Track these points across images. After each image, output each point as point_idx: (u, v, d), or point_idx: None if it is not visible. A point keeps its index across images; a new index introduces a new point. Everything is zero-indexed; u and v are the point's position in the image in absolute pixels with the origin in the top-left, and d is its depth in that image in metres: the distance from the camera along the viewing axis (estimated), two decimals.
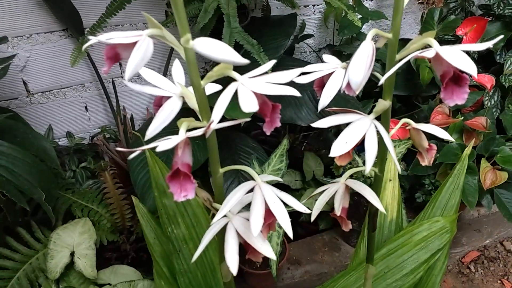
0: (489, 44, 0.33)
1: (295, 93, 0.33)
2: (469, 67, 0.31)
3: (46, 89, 1.22)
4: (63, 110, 1.28)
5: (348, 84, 0.36)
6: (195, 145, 1.04)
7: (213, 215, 0.45)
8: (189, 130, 0.36)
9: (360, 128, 0.39)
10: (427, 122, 1.31)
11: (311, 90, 1.16)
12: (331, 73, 0.45)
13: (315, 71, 0.47)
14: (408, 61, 1.33)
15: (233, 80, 0.35)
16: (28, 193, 0.83)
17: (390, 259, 0.77)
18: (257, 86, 0.33)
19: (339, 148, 0.38)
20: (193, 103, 0.41)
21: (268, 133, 0.36)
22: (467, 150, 0.82)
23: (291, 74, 0.34)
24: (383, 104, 0.40)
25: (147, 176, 0.98)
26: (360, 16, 1.33)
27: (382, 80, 0.37)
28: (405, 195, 1.29)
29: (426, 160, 0.50)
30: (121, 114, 1.31)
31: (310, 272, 1.22)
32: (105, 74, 0.32)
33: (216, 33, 1.05)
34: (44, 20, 1.11)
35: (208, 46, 0.31)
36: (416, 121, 0.49)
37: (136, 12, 1.19)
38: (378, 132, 0.40)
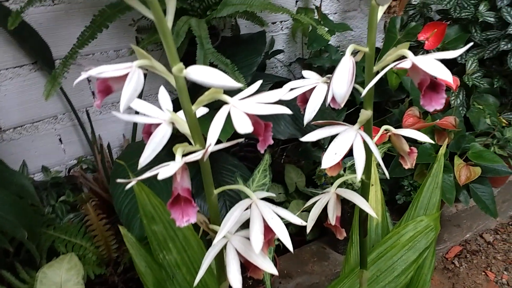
0: (460, 52, 0.35)
1: (287, 111, 0.34)
2: (445, 75, 0.33)
3: (18, 125, 1.19)
4: (37, 144, 1.25)
5: (333, 98, 0.38)
6: None
7: (208, 241, 0.46)
8: (184, 155, 0.37)
9: (347, 139, 0.41)
10: (400, 126, 1.36)
11: (286, 103, 1.18)
12: (313, 88, 0.47)
13: (297, 87, 0.48)
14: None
15: (224, 103, 0.36)
16: (10, 233, 0.80)
17: (381, 262, 0.79)
18: (249, 107, 0.34)
19: (330, 159, 0.40)
20: (183, 128, 0.42)
21: (262, 151, 0.37)
22: (442, 150, 0.85)
23: (279, 93, 0.36)
24: (366, 114, 0.42)
25: (131, 204, 0.96)
26: (326, 29, 1.37)
27: (364, 92, 0.39)
28: (386, 197, 1.32)
29: (408, 163, 0.52)
30: (97, 143, 1.29)
31: (302, 284, 1.22)
32: (97, 107, 0.32)
33: (188, 56, 1.06)
34: (13, 54, 1.09)
35: (202, 74, 0.32)
36: (389, 125, 0.51)
37: (107, 40, 1.19)
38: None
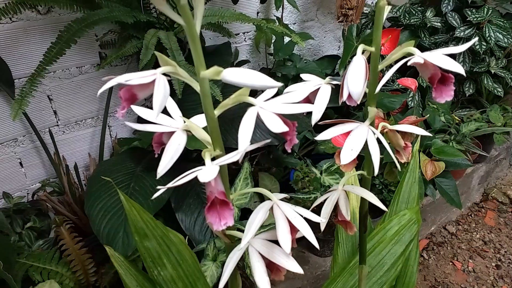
0: (465, 47, 0.38)
1: (313, 108, 0.35)
2: (456, 67, 0.36)
3: None
4: None
5: (349, 95, 0.39)
6: (156, 182, 1.01)
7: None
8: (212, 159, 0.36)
9: (361, 135, 0.43)
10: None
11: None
12: (317, 90, 0.49)
13: (300, 89, 0.50)
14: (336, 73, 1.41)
15: (250, 105, 0.36)
16: None
17: (371, 258, 0.81)
18: (277, 108, 0.35)
19: (347, 155, 0.41)
20: (200, 134, 0.41)
21: (289, 151, 0.37)
22: (416, 146, 0.90)
23: (302, 94, 0.36)
24: (374, 110, 0.44)
25: (111, 222, 0.92)
26: (289, 38, 1.41)
27: (377, 89, 0.41)
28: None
29: (404, 157, 0.55)
30: (62, 164, 1.23)
31: None
32: (121, 117, 0.32)
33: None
34: None
35: (240, 75, 0.32)
36: None
37: (68, 56, 1.14)
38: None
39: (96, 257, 1.06)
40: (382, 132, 0.54)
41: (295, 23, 1.59)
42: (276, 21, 1.44)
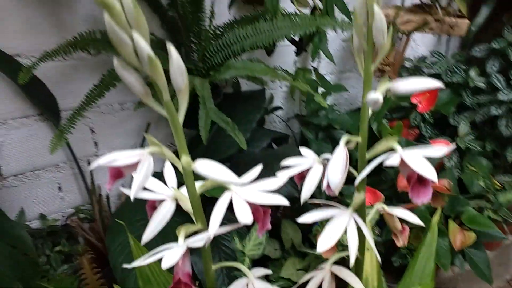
0: (444, 151, 0.38)
1: (285, 203, 0.36)
2: (430, 173, 0.36)
3: (19, 172, 1.20)
4: (36, 192, 1.26)
5: (328, 185, 0.40)
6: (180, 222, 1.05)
7: None
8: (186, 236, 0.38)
9: (341, 222, 0.43)
10: (394, 185, 1.38)
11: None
12: (310, 168, 0.50)
13: (296, 165, 0.51)
14: (370, 127, 1.41)
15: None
16: (5, 286, 0.80)
17: None
18: (250, 196, 0.37)
19: (325, 243, 0.42)
20: (186, 206, 0.44)
21: (260, 237, 0.39)
22: (436, 217, 0.87)
23: (279, 181, 0.38)
24: (360, 198, 0.45)
25: (127, 259, 0.96)
26: (323, 90, 1.43)
27: (359, 179, 0.41)
28: (382, 258, 1.32)
29: (400, 241, 0.54)
30: (96, 193, 1.30)
31: None
32: (108, 190, 0.35)
33: (191, 111, 1.10)
34: (20, 105, 1.13)
35: (208, 169, 0.34)
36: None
37: (112, 93, 1.22)
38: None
39: None
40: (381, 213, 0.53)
41: (332, 74, 1.62)
42: (313, 71, 1.47)
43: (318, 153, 1.45)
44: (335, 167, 0.40)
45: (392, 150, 0.41)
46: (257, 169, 0.42)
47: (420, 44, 1.78)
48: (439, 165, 1.52)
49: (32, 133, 1.17)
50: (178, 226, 0.41)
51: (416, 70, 1.68)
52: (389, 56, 1.37)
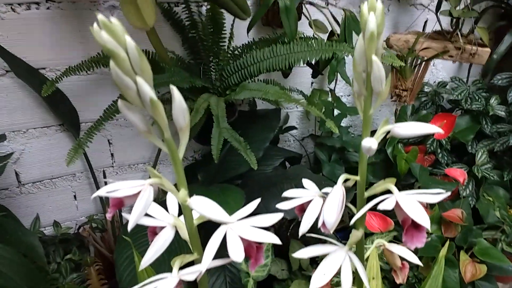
0: (441, 198, 0.38)
1: (277, 241, 0.37)
2: (423, 220, 0.36)
3: (37, 180, 1.24)
4: (52, 199, 1.30)
5: (323, 223, 0.41)
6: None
7: None
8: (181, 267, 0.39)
9: (336, 260, 0.44)
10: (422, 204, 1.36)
11: (296, 184, 1.21)
12: (310, 201, 0.51)
13: (297, 197, 0.52)
14: (385, 152, 1.39)
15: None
16: None
17: None
18: (244, 232, 0.37)
19: (318, 280, 0.42)
20: (184, 234, 0.45)
21: (252, 272, 0.39)
22: (443, 251, 0.86)
23: (274, 218, 0.39)
24: (356, 235, 0.45)
25: (133, 272, 0.98)
26: (339, 112, 1.44)
27: (355, 217, 0.42)
28: (390, 286, 1.30)
29: (400, 278, 0.54)
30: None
31: None
32: (109, 219, 0.36)
33: (205, 128, 1.11)
34: (42, 116, 1.17)
35: (202, 206, 0.35)
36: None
37: None
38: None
39: None
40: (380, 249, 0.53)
41: (349, 95, 1.62)
42: (329, 92, 1.48)
43: (331, 174, 1.44)
44: (331, 207, 0.41)
45: (389, 191, 0.42)
46: (255, 203, 0.43)
47: (441, 69, 1.77)
48: (454, 193, 1.50)
49: (52, 143, 1.21)
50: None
51: (435, 95, 1.66)
52: (407, 81, 1.37)
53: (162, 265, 0.94)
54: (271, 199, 1.17)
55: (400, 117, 1.52)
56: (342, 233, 1.39)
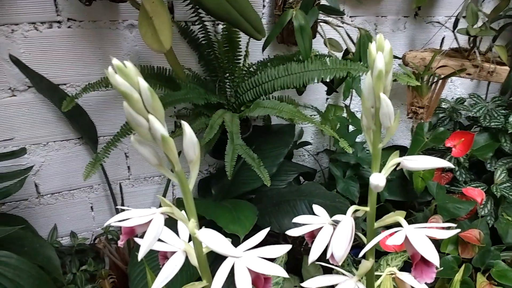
0: (450, 234, 0.38)
1: (285, 275, 0.38)
2: (432, 257, 0.36)
3: (56, 191, 1.28)
4: (70, 210, 1.33)
5: (332, 255, 0.41)
6: None
7: None
8: None
9: None
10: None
11: (309, 200, 1.21)
12: (320, 228, 0.51)
13: (308, 223, 0.52)
14: (401, 169, 1.38)
15: None
16: None
17: None
18: (252, 263, 0.38)
19: None
20: (194, 260, 0.46)
21: None
22: (459, 275, 0.84)
23: (282, 250, 0.39)
24: (366, 266, 0.45)
25: (147, 287, 0.99)
26: (353, 128, 1.43)
27: (362, 252, 0.42)
28: None
29: None
30: None
31: None
32: (120, 246, 0.37)
33: (220, 143, 1.12)
34: (62, 129, 1.20)
35: (209, 238, 0.36)
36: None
37: None
38: None
39: None
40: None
41: None
42: (344, 108, 1.48)
43: (345, 191, 1.43)
44: (340, 240, 0.41)
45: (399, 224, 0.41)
46: (263, 232, 0.43)
47: (459, 86, 1.75)
48: (472, 212, 1.47)
49: (71, 156, 1.24)
50: None
51: (453, 112, 1.64)
52: (423, 98, 1.35)
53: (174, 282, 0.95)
54: (284, 216, 1.18)
55: (416, 134, 1.50)
56: (355, 250, 1.37)
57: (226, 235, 1.22)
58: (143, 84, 0.31)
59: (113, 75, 0.29)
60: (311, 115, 1.51)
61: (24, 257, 0.90)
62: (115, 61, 0.29)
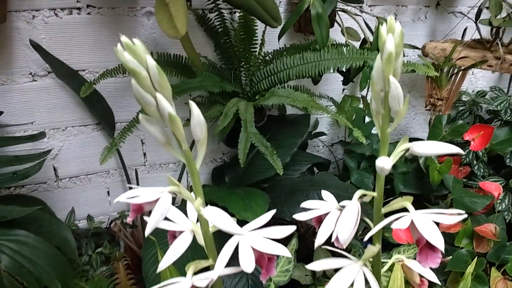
0: (458, 219, 0.38)
1: (288, 254, 0.38)
2: (437, 241, 0.36)
3: (74, 175, 1.31)
4: (87, 194, 1.36)
5: (337, 238, 0.41)
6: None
7: None
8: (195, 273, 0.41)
9: (348, 275, 0.44)
10: (437, 224, 1.33)
11: (319, 190, 1.21)
12: (328, 213, 0.51)
13: (315, 208, 0.52)
14: (418, 161, 1.36)
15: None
16: (46, 284, 0.87)
17: None
18: (256, 242, 0.38)
19: None
20: (201, 240, 0.47)
21: (264, 282, 0.40)
22: (471, 268, 0.83)
23: (287, 230, 0.40)
24: (372, 250, 0.45)
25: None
26: (369, 119, 1.42)
27: (371, 232, 0.42)
28: None
29: None
30: None
31: None
32: (129, 222, 0.38)
33: (234, 131, 1.13)
34: (80, 115, 1.23)
35: (214, 216, 0.37)
36: None
37: None
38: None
39: None
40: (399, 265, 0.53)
41: None
42: (361, 99, 1.46)
43: (359, 183, 1.42)
44: (345, 223, 0.41)
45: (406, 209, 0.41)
46: (269, 214, 0.43)
47: (480, 78, 1.70)
48: (489, 207, 1.44)
49: (88, 141, 1.27)
50: None
51: (473, 105, 1.61)
52: (442, 90, 1.33)
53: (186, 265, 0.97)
54: (296, 206, 1.18)
55: (434, 127, 1.48)
56: (367, 242, 1.37)
57: (237, 222, 1.24)
58: (151, 61, 0.31)
59: (122, 52, 0.30)
60: (326, 106, 1.50)
61: (42, 238, 0.93)
62: (123, 38, 0.29)
